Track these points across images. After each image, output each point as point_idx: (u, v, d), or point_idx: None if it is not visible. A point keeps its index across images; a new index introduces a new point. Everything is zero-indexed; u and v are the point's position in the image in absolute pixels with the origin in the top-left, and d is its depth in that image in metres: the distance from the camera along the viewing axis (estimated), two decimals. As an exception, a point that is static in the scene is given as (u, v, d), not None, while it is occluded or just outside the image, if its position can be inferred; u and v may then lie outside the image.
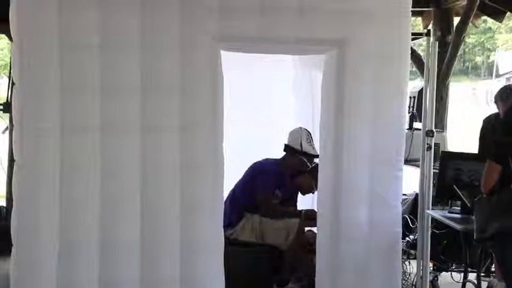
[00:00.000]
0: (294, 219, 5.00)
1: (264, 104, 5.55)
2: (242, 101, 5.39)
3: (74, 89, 4.02)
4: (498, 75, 18.30)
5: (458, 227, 4.32)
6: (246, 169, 5.08)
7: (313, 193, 5.09)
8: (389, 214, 4.43)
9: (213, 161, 4.15)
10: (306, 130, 5.10)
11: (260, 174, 4.97)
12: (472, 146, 5.32)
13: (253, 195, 4.96)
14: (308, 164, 5.08)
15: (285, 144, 5.10)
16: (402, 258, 4.67)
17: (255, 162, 5.08)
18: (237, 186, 5.05)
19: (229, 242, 4.59)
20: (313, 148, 5.03)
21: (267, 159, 5.16)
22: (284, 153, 5.16)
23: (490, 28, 22.51)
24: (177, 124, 4.09)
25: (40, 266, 3.99)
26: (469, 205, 4.40)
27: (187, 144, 4.11)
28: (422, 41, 5.00)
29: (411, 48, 4.71)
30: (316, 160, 4.95)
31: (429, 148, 4.61)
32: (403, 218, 4.74)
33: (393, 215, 4.45)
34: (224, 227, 4.31)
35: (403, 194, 4.76)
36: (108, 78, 4.02)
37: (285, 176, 5.07)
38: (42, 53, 3.99)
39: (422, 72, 5.59)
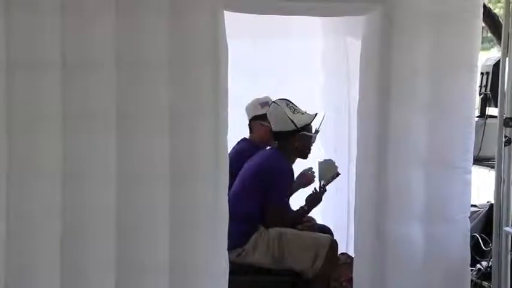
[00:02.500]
0: (325, 235, 4.51)
1: (283, 85, 5.22)
2: (253, 81, 5.18)
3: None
4: None
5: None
6: (247, 165, 4.61)
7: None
8: (452, 232, 4.09)
9: (214, 161, 3.81)
10: (280, 100, 4.60)
11: (276, 175, 4.49)
12: None
13: (267, 203, 4.48)
14: (311, 135, 4.63)
15: (274, 133, 4.61)
16: (471, 293, 4.43)
17: (261, 157, 4.59)
18: (241, 190, 4.54)
19: (236, 267, 4.08)
20: (303, 112, 4.57)
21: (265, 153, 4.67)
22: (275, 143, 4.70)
23: None
24: (165, 114, 3.76)
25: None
26: None
27: (179, 141, 3.79)
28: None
29: (484, 5, 4.36)
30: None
31: (508, 142, 4.22)
32: (472, 238, 4.43)
33: (458, 234, 4.11)
34: (228, 248, 3.91)
35: (472, 205, 4.47)
36: (73, 51, 3.69)
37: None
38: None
39: (499, 39, 5.25)
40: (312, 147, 4.67)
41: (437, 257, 4.00)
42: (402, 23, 3.94)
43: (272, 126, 4.58)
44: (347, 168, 5.03)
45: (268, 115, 4.59)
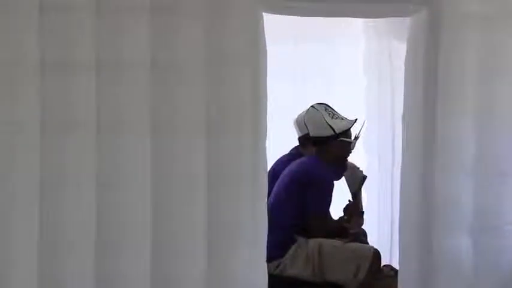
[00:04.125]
0: (368, 246, 4.47)
1: (323, 89, 5.31)
2: (293, 86, 5.26)
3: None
4: None
5: None
6: (284, 173, 4.56)
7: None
8: (504, 243, 3.94)
9: (253, 169, 3.74)
10: (318, 105, 4.54)
11: (314, 183, 4.41)
12: None
13: (307, 212, 4.42)
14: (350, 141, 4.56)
15: (313, 139, 4.54)
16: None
17: (299, 164, 4.53)
18: (278, 199, 4.48)
19: (274, 280, 4.01)
20: (343, 118, 4.51)
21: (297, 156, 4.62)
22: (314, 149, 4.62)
23: None
24: (201, 120, 3.70)
25: None
26: None
27: (217, 148, 3.73)
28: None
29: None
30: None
31: None
32: None
33: (509, 244, 3.93)
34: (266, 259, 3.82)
35: None
36: (108, 52, 3.64)
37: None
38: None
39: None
40: (350, 154, 4.58)
41: (489, 270, 3.89)
42: (449, 24, 3.85)
43: (310, 132, 4.51)
44: (391, 175, 4.97)
45: (306, 120, 4.53)
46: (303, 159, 4.54)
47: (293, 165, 4.49)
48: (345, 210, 4.55)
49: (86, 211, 3.61)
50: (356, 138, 4.54)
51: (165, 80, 3.64)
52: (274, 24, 3.90)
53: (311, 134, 4.51)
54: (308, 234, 4.38)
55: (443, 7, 3.82)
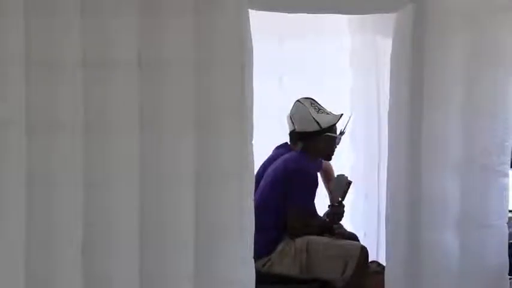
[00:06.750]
0: (355, 242, 4.47)
1: (308, 85, 5.09)
2: (279, 82, 5.17)
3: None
4: None
5: None
6: (269, 171, 4.53)
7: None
8: (489, 239, 4.00)
9: (239, 167, 3.75)
10: (304, 99, 4.52)
11: (298, 177, 4.37)
12: None
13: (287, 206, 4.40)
14: (336, 136, 4.54)
15: (299, 134, 4.51)
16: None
17: (283, 161, 4.50)
18: (263, 198, 4.41)
19: (261, 277, 3.97)
20: (328, 112, 4.49)
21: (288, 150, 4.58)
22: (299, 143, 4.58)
23: None
24: (188, 119, 3.70)
25: None
26: None
27: (204, 146, 3.73)
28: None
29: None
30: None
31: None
32: (511, 245, 4.21)
33: (495, 241, 4.01)
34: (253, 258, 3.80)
35: (510, 211, 4.26)
36: (94, 51, 3.65)
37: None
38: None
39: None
40: (335, 149, 4.55)
41: (474, 265, 3.93)
42: (435, 20, 3.85)
43: (295, 126, 4.50)
44: (377, 171, 4.97)
45: (291, 115, 4.51)
46: (286, 155, 4.52)
47: (278, 161, 4.48)
48: (327, 215, 4.52)
49: (73, 210, 3.59)
50: (341, 133, 4.53)
51: (152, 79, 3.64)
52: (258, 22, 3.88)
53: (297, 129, 4.50)
54: (289, 231, 4.33)
55: (429, 3, 3.82)
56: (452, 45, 3.85)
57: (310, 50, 5.23)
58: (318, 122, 4.44)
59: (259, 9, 3.86)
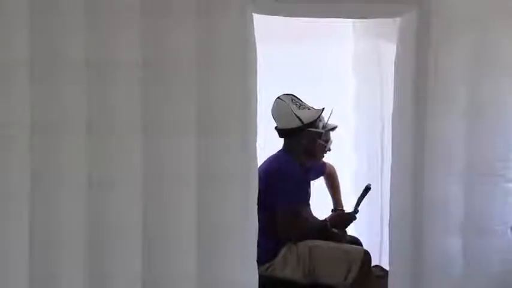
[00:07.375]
0: (358, 247, 4.44)
1: (311, 89, 5.01)
2: (282, 86, 4.90)
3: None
4: None
5: None
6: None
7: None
8: (493, 244, 3.96)
9: (243, 169, 3.74)
10: (285, 96, 4.42)
11: (279, 179, 4.28)
12: None
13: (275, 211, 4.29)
14: (321, 133, 4.43)
15: (280, 131, 4.42)
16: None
17: (266, 165, 4.41)
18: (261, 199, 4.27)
19: (264, 282, 3.93)
20: (310, 107, 4.38)
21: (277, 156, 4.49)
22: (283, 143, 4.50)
23: None
24: (192, 120, 3.69)
25: None
26: None
27: (207, 148, 3.71)
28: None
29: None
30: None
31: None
32: None
33: (499, 246, 3.96)
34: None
35: None
36: (97, 52, 3.63)
37: (306, 173, 4.45)
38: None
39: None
40: (328, 147, 4.46)
41: (477, 270, 3.90)
42: (439, 24, 3.83)
43: (277, 124, 4.41)
44: (380, 175, 4.96)
45: (272, 111, 4.42)
46: (269, 156, 4.45)
47: (262, 166, 4.32)
48: (330, 218, 4.48)
49: (77, 211, 3.58)
50: (332, 128, 4.44)
51: (155, 80, 3.62)
52: (262, 25, 3.86)
53: (279, 126, 4.41)
54: (280, 236, 4.24)
55: (433, 7, 3.80)
56: (456, 49, 3.83)
57: (313, 54, 5.20)
58: (299, 118, 4.35)
59: (263, 14, 3.85)
